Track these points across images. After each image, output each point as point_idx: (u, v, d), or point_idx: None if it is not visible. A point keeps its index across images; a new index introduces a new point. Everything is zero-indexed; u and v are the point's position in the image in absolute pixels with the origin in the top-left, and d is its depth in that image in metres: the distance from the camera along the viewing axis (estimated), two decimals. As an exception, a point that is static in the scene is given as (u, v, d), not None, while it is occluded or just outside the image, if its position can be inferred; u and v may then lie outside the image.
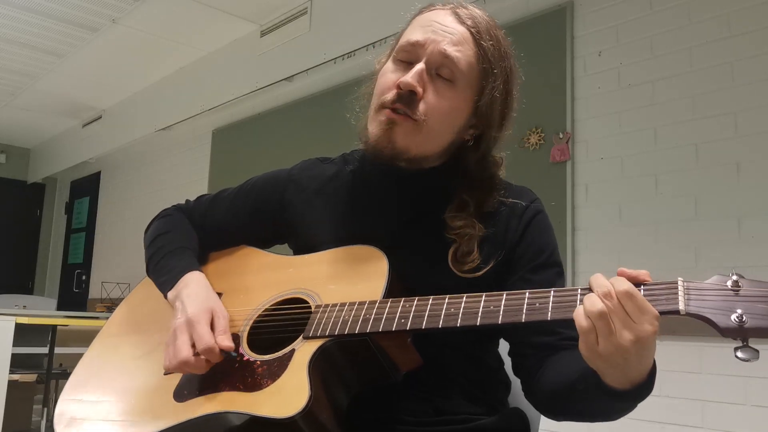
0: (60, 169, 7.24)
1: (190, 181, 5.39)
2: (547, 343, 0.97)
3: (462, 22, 1.00)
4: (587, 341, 0.75)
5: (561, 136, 2.84)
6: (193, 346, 0.93)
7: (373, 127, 1.00)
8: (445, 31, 0.99)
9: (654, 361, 0.79)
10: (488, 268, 0.97)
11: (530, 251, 1.01)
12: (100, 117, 6.45)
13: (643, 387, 0.79)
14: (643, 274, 0.77)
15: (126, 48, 4.94)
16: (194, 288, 1.04)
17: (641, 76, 2.67)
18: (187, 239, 1.17)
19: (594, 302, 0.75)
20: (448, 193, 1.04)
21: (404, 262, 0.98)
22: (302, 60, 4.15)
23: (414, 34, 1.00)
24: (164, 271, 1.10)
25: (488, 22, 1.02)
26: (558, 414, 0.96)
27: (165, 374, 0.98)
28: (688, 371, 2.36)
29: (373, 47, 3.62)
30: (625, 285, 0.74)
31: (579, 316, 0.76)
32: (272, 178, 1.18)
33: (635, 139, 2.65)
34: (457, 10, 1.01)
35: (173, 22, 4.53)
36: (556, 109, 2.88)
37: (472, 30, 0.99)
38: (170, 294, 1.05)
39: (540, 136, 2.90)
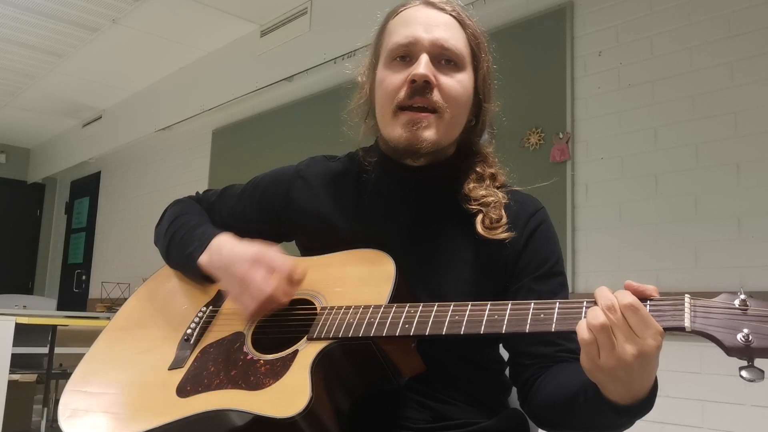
0: (60, 169, 7.24)
1: (190, 181, 5.39)
2: (546, 354, 0.96)
3: (442, 10, 1.03)
4: (589, 354, 0.75)
5: (561, 136, 2.85)
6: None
7: (396, 131, 1.00)
8: (432, 22, 1.01)
9: (656, 378, 0.78)
10: (514, 234, 0.99)
11: (534, 260, 1.01)
12: (100, 117, 6.45)
13: (644, 403, 0.78)
14: (650, 289, 0.76)
15: (126, 48, 4.94)
16: (233, 243, 1.05)
17: (641, 76, 2.67)
18: (206, 217, 1.18)
19: (597, 315, 0.74)
20: (461, 171, 1.06)
21: (422, 255, 0.99)
22: (302, 60, 4.15)
23: (402, 33, 1.02)
24: (190, 241, 1.10)
25: (459, 5, 1.06)
26: (553, 426, 0.96)
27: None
28: (688, 371, 2.36)
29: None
30: (629, 298, 0.73)
31: (581, 329, 0.75)
32: (279, 175, 1.18)
33: (635, 139, 2.65)
34: (430, 1, 1.04)
35: (173, 22, 4.53)
36: (556, 109, 2.88)
37: (454, 14, 1.03)
38: (203, 257, 1.06)
39: (540, 136, 2.90)
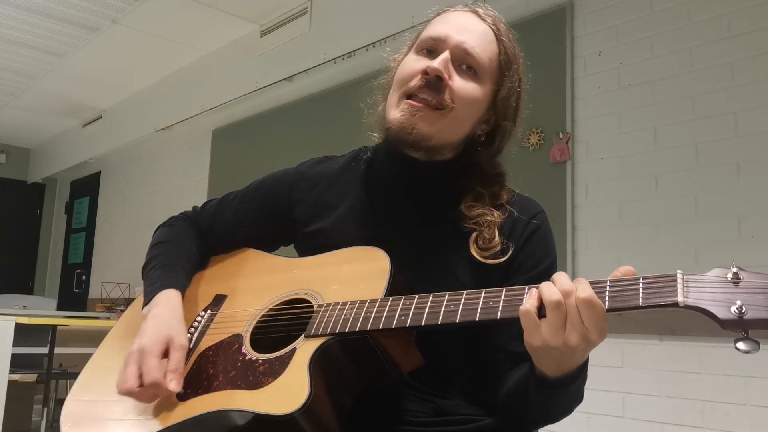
0: (60, 169, 7.24)
1: (190, 181, 5.39)
2: (521, 353, 0.96)
3: (483, 20, 1.05)
4: (528, 324, 0.79)
5: (561, 136, 2.85)
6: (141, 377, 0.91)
7: (395, 113, 1.02)
8: (467, 28, 1.03)
9: (587, 357, 0.83)
10: (508, 256, 0.99)
11: (529, 261, 1.02)
12: (100, 117, 6.45)
13: (572, 376, 0.82)
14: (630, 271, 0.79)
15: (126, 48, 4.94)
16: (161, 310, 1.01)
17: (641, 76, 2.67)
18: (181, 253, 1.15)
19: (552, 291, 0.78)
20: (461, 187, 1.06)
21: (421, 258, 1.00)
22: (302, 60, 4.15)
23: (437, 29, 1.05)
24: (148, 283, 1.10)
25: (504, 23, 1.08)
26: (507, 423, 0.97)
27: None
28: (688, 371, 2.36)
29: (373, 47, 3.62)
30: (588, 292, 0.76)
31: (529, 296, 0.79)
32: (279, 177, 1.18)
33: (635, 139, 2.65)
34: (477, 10, 1.07)
35: (173, 22, 4.53)
36: (556, 109, 2.87)
37: (493, 28, 1.05)
38: (144, 309, 1.04)
39: (540, 136, 2.90)
